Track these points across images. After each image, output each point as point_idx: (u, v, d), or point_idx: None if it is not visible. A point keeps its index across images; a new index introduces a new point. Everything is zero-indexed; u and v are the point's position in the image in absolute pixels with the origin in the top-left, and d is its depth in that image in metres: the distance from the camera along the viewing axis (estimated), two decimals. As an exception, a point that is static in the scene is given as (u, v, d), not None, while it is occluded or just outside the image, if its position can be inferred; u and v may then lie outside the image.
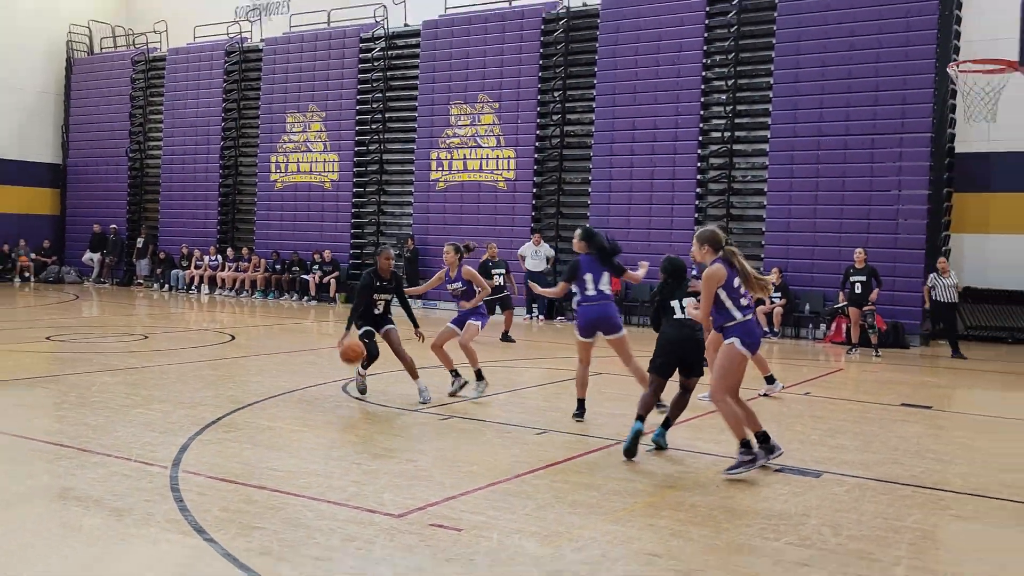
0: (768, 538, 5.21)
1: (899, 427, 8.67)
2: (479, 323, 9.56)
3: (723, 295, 6.61)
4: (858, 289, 14.56)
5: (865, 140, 17.30)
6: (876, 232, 17.00)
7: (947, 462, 7.32)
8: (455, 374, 9.40)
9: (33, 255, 27.04)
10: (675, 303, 7.08)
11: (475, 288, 9.50)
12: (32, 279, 26.53)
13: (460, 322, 9.57)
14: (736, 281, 6.63)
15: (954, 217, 17.70)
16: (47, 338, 13.71)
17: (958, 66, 12.97)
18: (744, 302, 6.67)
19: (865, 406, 9.92)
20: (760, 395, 9.86)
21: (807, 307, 17.31)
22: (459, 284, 9.55)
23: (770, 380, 10.13)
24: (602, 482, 6.31)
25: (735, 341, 6.59)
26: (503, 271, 15.78)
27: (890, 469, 6.95)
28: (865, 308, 14.60)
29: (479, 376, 9.53)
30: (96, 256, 26.96)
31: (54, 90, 28.77)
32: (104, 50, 28.97)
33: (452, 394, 9.29)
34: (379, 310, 9.18)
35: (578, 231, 8.61)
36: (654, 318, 7.32)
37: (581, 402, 8.41)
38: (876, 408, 9.69)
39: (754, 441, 6.62)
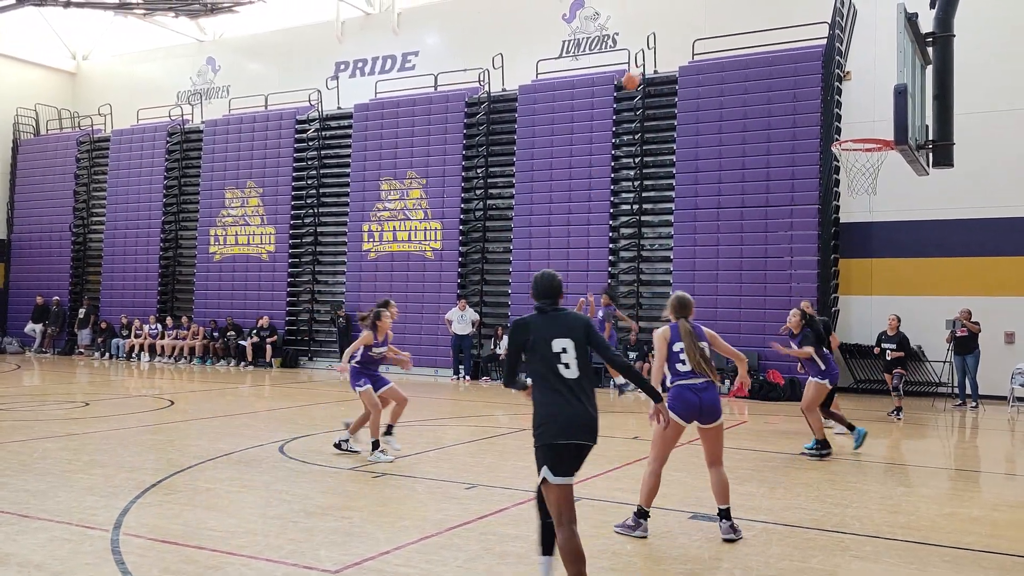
0: (685, 580, 5.21)
1: (800, 474, 8.85)
2: None
3: None
4: (888, 356, 14.68)
5: (759, 211, 17.92)
6: (772, 295, 17.51)
7: (844, 506, 7.43)
8: None
9: (-27, 327, 25.90)
10: None
11: None
12: (-29, 350, 25.33)
13: None
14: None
15: (841, 280, 18.38)
16: (-15, 407, 13.04)
17: (841, 145, 13.54)
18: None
19: (767, 455, 10.09)
20: None
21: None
22: None
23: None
24: (529, 532, 6.22)
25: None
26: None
27: (794, 514, 7.06)
28: (895, 371, 14.50)
29: None
30: (38, 327, 25.97)
31: (0, 169, 27.90)
32: (50, 131, 28.32)
33: None
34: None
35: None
36: None
37: None
38: (779, 457, 9.86)
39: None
